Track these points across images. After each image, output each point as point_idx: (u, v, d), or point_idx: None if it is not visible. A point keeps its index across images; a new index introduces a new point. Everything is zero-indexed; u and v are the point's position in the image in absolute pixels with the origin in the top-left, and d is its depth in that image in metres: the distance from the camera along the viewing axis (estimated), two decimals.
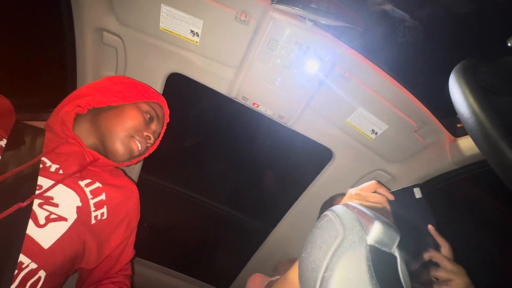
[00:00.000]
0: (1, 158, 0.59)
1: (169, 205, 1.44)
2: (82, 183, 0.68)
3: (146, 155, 0.86)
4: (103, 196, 0.70)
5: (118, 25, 0.82)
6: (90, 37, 0.83)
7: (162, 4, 0.74)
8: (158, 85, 0.92)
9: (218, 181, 1.50)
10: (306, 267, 0.24)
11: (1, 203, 0.53)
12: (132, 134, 0.75)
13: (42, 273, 0.55)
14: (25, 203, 0.55)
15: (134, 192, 0.82)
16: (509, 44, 0.54)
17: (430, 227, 0.64)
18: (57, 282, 0.62)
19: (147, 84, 0.92)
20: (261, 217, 1.45)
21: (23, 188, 0.57)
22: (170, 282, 1.51)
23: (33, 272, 0.54)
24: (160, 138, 0.88)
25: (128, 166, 0.84)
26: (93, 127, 0.75)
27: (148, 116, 0.80)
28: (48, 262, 0.56)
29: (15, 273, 0.51)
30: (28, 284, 0.53)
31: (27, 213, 0.55)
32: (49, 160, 0.66)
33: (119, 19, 0.80)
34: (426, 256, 0.61)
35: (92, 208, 0.67)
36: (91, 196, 0.68)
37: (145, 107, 0.80)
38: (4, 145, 0.62)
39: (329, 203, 1.06)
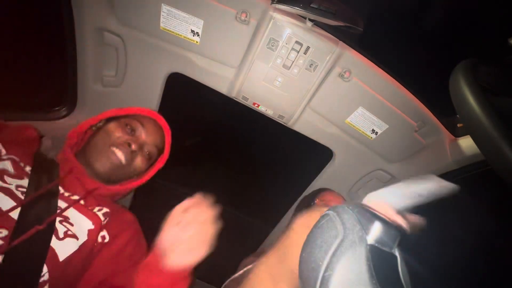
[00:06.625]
0: (29, 181, 0.65)
1: (169, 204, 1.44)
2: (92, 207, 0.72)
3: (151, 173, 0.86)
4: (108, 221, 0.73)
5: (118, 25, 0.82)
6: (90, 37, 0.83)
7: (162, 4, 0.74)
8: (159, 85, 0.92)
9: (218, 180, 1.50)
10: (307, 267, 0.24)
11: (31, 220, 0.59)
12: (110, 144, 0.76)
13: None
14: (51, 218, 0.62)
15: (133, 219, 0.84)
16: (511, 43, 0.54)
17: None
18: None
19: (147, 83, 0.92)
20: (261, 217, 1.45)
21: (46, 207, 0.64)
22: None
23: (43, 284, 0.56)
24: (167, 152, 0.89)
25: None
26: (83, 152, 0.79)
27: (129, 127, 0.81)
28: (58, 275, 0.59)
29: None
30: None
31: (51, 229, 0.61)
32: (62, 188, 0.71)
33: (120, 19, 0.80)
34: None
35: (102, 232, 0.70)
36: (104, 218, 0.71)
37: (125, 120, 0.82)
38: (29, 171, 0.68)
39: (311, 197, 1.05)
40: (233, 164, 1.50)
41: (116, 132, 0.78)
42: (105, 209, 0.74)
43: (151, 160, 0.85)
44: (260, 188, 1.51)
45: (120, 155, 0.76)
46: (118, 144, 0.77)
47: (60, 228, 0.63)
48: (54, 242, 0.60)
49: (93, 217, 0.70)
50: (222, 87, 0.89)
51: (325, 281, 0.21)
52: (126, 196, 1.00)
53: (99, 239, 0.69)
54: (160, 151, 0.88)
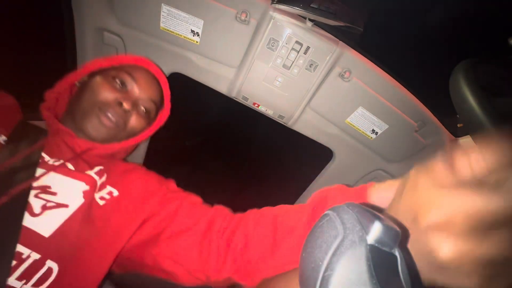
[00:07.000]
0: None
1: None
2: (84, 169, 0.65)
3: (152, 130, 0.78)
4: (108, 177, 0.67)
5: (118, 25, 0.82)
6: (90, 37, 0.83)
7: (162, 4, 0.74)
8: None
9: (219, 180, 1.50)
10: (307, 267, 0.24)
11: None
12: (100, 106, 0.66)
13: (52, 264, 0.52)
14: (15, 191, 0.53)
15: (139, 167, 0.77)
16: (511, 43, 0.54)
17: None
18: (80, 278, 0.57)
19: None
20: None
21: (17, 179, 0.55)
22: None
23: (38, 263, 0.51)
24: (167, 105, 0.81)
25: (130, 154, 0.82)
26: (70, 114, 0.71)
27: (118, 80, 0.70)
28: (52, 250, 0.53)
29: (14, 264, 0.48)
30: (36, 276, 0.50)
31: (21, 203, 0.53)
32: (47, 155, 0.64)
33: (120, 19, 0.80)
34: None
35: (103, 189, 0.64)
36: (98, 177, 0.64)
37: (112, 72, 0.71)
38: (3, 142, 0.61)
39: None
40: (233, 164, 1.50)
41: (104, 89, 0.67)
42: (97, 168, 0.66)
43: (149, 117, 0.76)
44: (260, 188, 1.51)
45: (111, 118, 0.67)
46: (108, 104, 0.67)
47: (36, 203, 0.54)
48: (28, 221, 0.52)
49: (85, 177, 0.61)
50: (222, 87, 0.89)
51: (325, 281, 0.21)
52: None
53: (106, 196, 0.62)
54: (159, 105, 0.79)
